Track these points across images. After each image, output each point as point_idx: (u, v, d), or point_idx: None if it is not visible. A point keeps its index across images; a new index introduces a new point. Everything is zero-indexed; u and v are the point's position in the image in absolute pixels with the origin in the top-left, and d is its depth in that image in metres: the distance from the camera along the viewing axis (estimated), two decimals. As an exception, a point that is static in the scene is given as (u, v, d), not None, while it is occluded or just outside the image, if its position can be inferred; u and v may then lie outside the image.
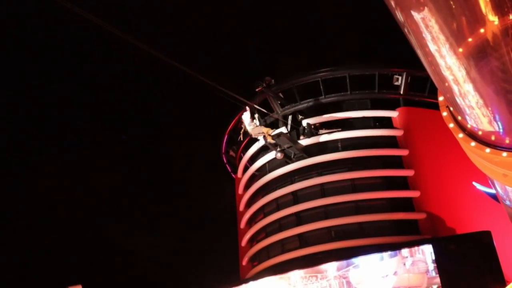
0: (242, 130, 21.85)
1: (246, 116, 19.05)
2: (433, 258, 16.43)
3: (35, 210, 41.25)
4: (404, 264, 17.22)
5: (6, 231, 39.62)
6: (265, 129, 19.40)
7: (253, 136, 19.86)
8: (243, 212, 25.87)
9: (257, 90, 21.45)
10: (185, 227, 42.81)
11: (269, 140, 19.49)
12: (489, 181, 9.16)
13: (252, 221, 24.88)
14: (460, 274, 15.72)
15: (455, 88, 7.11)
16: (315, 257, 20.25)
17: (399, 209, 20.53)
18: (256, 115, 19.40)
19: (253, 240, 24.55)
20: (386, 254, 17.61)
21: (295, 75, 22.97)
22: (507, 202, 8.36)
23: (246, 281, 22.51)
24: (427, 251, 16.90)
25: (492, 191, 14.55)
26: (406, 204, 20.60)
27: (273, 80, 21.74)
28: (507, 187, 7.47)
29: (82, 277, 29.42)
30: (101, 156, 44.17)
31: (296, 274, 19.79)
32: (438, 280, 16.19)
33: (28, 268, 38.59)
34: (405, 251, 17.34)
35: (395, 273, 17.13)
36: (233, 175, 29.62)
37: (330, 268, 18.89)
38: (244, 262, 25.38)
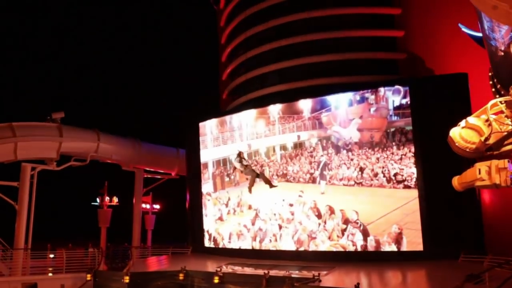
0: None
1: None
2: (395, 105, 17.12)
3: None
4: (369, 110, 17.93)
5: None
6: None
7: None
8: (225, 46, 25.52)
9: None
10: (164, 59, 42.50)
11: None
12: (478, 21, 8.82)
13: (233, 55, 24.67)
14: (432, 115, 16.26)
15: None
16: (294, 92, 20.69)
17: (381, 49, 20.49)
18: None
19: (234, 74, 24.64)
20: (355, 100, 18.21)
21: None
22: (492, 42, 8.19)
23: (226, 113, 23.20)
24: (390, 99, 17.41)
25: (478, 34, 14.27)
26: (389, 44, 20.49)
27: None
28: (494, 22, 7.22)
29: (65, 105, 29.82)
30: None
31: (275, 113, 20.40)
32: (398, 123, 17.03)
33: (9, 97, 38.73)
34: (371, 99, 17.82)
35: (361, 117, 18.07)
36: (214, 7, 28.48)
37: (306, 108, 19.45)
38: (224, 96, 25.84)
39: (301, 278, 15.69)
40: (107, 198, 28.85)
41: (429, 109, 16.58)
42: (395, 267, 15.93)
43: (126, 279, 18.19)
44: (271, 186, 19.31)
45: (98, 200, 29.00)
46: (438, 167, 15.76)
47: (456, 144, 8.34)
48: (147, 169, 29.49)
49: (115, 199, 29.27)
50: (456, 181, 8.72)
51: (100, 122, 30.08)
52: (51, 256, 23.81)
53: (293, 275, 16.15)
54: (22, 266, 22.12)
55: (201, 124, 23.35)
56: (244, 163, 19.06)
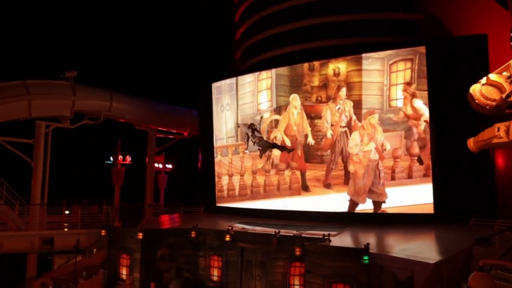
0: None
1: None
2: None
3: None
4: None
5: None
6: None
7: None
8: (239, 4, 25.05)
9: None
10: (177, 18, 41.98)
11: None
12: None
13: (247, 14, 24.21)
14: (449, 78, 15.97)
15: None
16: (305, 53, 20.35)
17: (397, 9, 19.93)
18: None
19: (248, 33, 24.24)
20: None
21: None
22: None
23: (240, 73, 23.00)
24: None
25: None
26: (405, 4, 19.91)
27: None
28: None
29: (78, 64, 29.79)
30: None
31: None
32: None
33: (23, 55, 38.71)
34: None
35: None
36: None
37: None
38: (237, 56, 25.57)
39: (311, 238, 15.92)
40: (120, 157, 29.14)
41: (446, 72, 16.25)
42: (405, 229, 16.05)
43: (140, 236, 18.60)
44: (289, 150, 18.81)
45: (111, 158, 29.33)
46: (451, 131, 15.63)
47: (476, 101, 8.17)
48: (160, 128, 29.66)
49: (128, 158, 29.58)
50: (471, 142, 8.63)
51: (113, 81, 30.11)
52: (67, 212, 24.38)
53: (303, 235, 16.36)
54: (39, 221, 22.72)
55: (214, 85, 23.26)
56: (257, 135, 18.61)
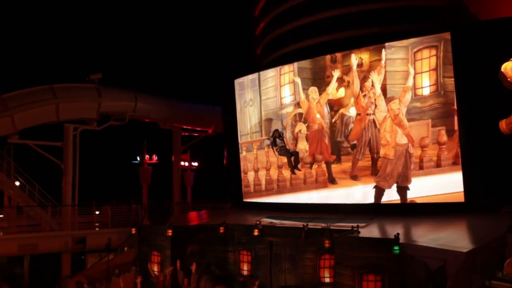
0: None
1: None
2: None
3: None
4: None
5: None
6: None
7: None
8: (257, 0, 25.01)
9: None
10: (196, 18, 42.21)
11: None
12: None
13: (267, 8, 24.15)
14: (476, 63, 15.65)
15: None
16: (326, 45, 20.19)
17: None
18: None
19: (268, 28, 24.20)
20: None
21: None
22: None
23: (263, 68, 22.97)
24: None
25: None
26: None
27: None
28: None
29: (103, 67, 30.31)
30: None
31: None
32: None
33: (46, 59, 39.49)
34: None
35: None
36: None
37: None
38: (258, 51, 25.57)
39: (340, 230, 15.86)
40: (147, 156, 29.55)
41: (473, 58, 15.91)
42: (435, 219, 15.83)
43: (169, 233, 18.86)
44: (293, 170, 18.62)
45: (138, 158, 29.77)
46: (480, 117, 15.34)
47: (508, 79, 8.04)
48: (184, 127, 29.93)
49: (155, 157, 29.97)
50: (503, 123, 8.50)
51: (137, 82, 30.53)
52: (97, 212, 24.88)
53: (331, 227, 16.32)
54: (70, 221, 23.25)
55: (236, 81, 23.33)
56: (279, 143, 18.32)
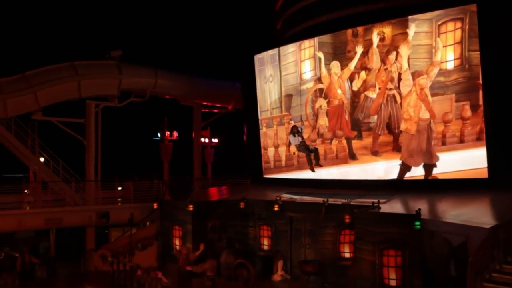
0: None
1: None
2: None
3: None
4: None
5: None
6: None
7: None
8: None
9: None
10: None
11: None
12: None
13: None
14: (503, 36, 15.21)
15: None
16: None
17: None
18: None
19: (288, 2, 23.82)
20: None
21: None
22: None
23: (284, 43, 22.70)
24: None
25: None
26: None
27: None
28: None
29: (123, 44, 30.37)
30: None
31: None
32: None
33: (67, 36, 39.75)
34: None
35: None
36: None
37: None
38: (278, 26, 25.26)
39: (361, 206, 15.84)
40: (167, 133, 29.76)
41: (499, 30, 15.45)
42: (458, 195, 15.67)
43: (191, 208, 19.09)
44: (313, 169, 18.22)
45: (159, 135, 30.01)
46: (505, 91, 14.99)
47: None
48: (204, 103, 29.98)
49: (175, 134, 30.17)
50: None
51: (157, 58, 30.57)
52: (119, 188, 25.28)
53: (352, 203, 16.30)
54: (94, 196, 23.70)
55: (256, 57, 23.16)
56: (298, 139, 17.82)
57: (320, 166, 18.77)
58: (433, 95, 16.88)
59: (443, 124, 16.67)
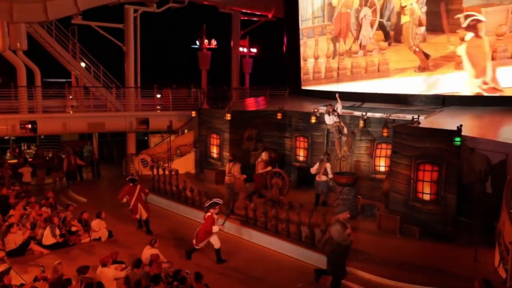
0: None
1: None
2: None
3: None
4: None
5: None
6: None
7: None
8: None
9: None
10: None
11: None
12: None
13: None
14: None
15: None
16: None
17: None
18: None
19: None
20: None
21: None
22: None
23: None
24: None
25: None
26: None
27: None
28: None
29: None
30: None
31: None
32: None
33: None
34: None
35: None
36: None
37: None
38: None
39: (400, 120, 15.57)
40: (206, 41, 29.32)
41: None
42: (503, 113, 15.12)
43: (228, 117, 19.26)
44: (340, 155, 16.76)
45: (197, 42, 29.63)
46: None
47: None
48: (244, 10, 29.09)
49: (214, 42, 29.70)
50: None
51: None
52: (158, 96, 25.58)
53: (391, 117, 16.03)
54: (134, 103, 24.15)
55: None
56: (331, 118, 16.20)
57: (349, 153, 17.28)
58: (487, 5, 15.72)
59: (495, 37, 15.67)
